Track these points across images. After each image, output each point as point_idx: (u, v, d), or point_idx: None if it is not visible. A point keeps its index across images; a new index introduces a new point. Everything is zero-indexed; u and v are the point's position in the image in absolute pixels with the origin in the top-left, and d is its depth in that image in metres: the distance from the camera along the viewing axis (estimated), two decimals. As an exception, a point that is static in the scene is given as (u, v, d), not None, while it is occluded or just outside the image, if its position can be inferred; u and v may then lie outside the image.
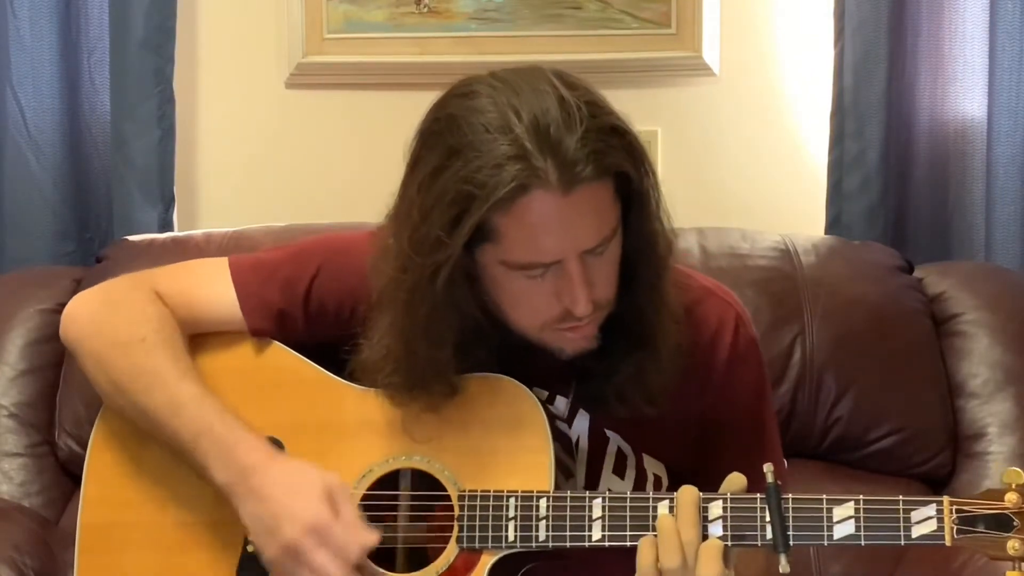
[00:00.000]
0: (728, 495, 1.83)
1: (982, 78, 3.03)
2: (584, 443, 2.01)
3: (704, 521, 1.82)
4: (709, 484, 1.90)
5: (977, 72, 3.04)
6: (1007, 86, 2.97)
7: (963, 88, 3.07)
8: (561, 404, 2.01)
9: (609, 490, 2.00)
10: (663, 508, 1.85)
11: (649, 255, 1.91)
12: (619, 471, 2.02)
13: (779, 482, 1.81)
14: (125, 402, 2.04)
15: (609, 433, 2.02)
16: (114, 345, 2.05)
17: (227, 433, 1.97)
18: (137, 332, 2.03)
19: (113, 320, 2.07)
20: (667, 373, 1.94)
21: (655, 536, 1.82)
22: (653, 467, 2.04)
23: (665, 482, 2.05)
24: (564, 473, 1.96)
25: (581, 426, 2.02)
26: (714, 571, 1.78)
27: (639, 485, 2.02)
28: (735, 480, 1.84)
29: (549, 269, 1.83)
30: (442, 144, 1.80)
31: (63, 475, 2.82)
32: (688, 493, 1.83)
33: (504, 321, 1.92)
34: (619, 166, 1.81)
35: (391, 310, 1.91)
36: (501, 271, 1.85)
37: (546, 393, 2.00)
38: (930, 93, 3.08)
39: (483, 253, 1.84)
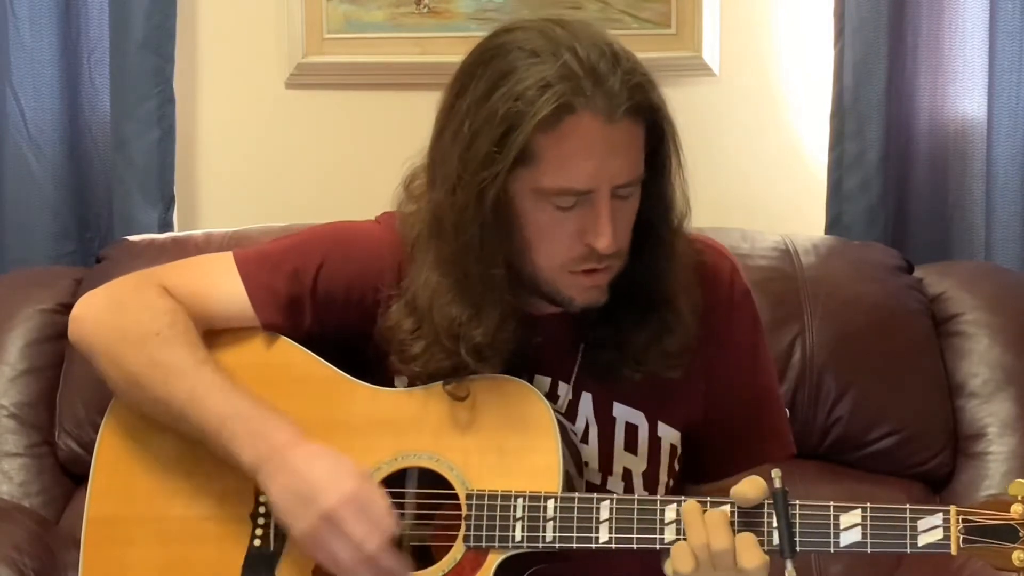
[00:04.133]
0: (735, 502, 1.83)
1: (982, 78, 3.03)
2: (593, 426, 2.02)
3: (768, 527, 1.83)
4: (716, 443, 2.03)
5: (977, 72, 3.05)
6: (1007, 86, 2.98)
7: (963, 88, 3.07)
8: (563, 390, 2.02)
9: (627, 468, 2.02)
10: (671, 512, 1.86)
11: (668, 215, 1.95)
12: (631, 447, 2.03)
13: (786, 488, 1.81)
14: (143, 396, 2.03)
15: (617, 408, 2.03)
16: (127, 341, 2.04)
17: (256, 414, 1.97)
18: (151, 326, 2.03)
19: (124, 317, 2.06)
20: (687, 335, 1.97)
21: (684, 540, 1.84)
22: (669, 436, 2.05)
23: (680, 451, 2.07)
24: (575, 460, 1.97)
25: (585, 409, 2.03)
26: (757, 557, 1.80)
27: (653, 455, 2.04)
28: (752, 484, 1.84)
29: (578, 201, 1.86)
30: (492, 70, 1.86)
31: (63, 475, 2.82)
32: (717, 514, 1.83)
33: (523, 267, 1.93)
34: (658, 107, 1.88)
35: (433, 246, 1.94)
36: (531, 201, 1.87)
37: (548, 380, 2.01)
38: (930, 93, 3.08)
39: (518, 180, 1.87)
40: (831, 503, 1.82)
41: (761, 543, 1.81)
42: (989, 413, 2.75)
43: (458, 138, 1.87)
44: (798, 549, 1.80)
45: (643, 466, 2.03)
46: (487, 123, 1.84)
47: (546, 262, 1.92)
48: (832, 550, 1.81)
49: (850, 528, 1.81)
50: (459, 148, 1.87)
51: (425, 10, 3.19)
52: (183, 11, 3.15)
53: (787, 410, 2.14)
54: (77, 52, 3.16)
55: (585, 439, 2.02)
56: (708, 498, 1.86)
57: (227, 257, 2.12)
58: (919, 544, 1.79)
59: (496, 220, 1.87)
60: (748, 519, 1.83)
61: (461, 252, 1.90)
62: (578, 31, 1.87)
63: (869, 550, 1.80)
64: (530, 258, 1.92)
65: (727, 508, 1.83)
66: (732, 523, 1.82)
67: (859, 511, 1.81)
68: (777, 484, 1.81)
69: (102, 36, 3.15)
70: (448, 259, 1.93)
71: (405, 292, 1.98)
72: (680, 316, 1.96)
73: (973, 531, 1.78)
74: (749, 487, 1.83)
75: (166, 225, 3.16)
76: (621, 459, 2.03)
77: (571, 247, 1.89)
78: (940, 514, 1.79)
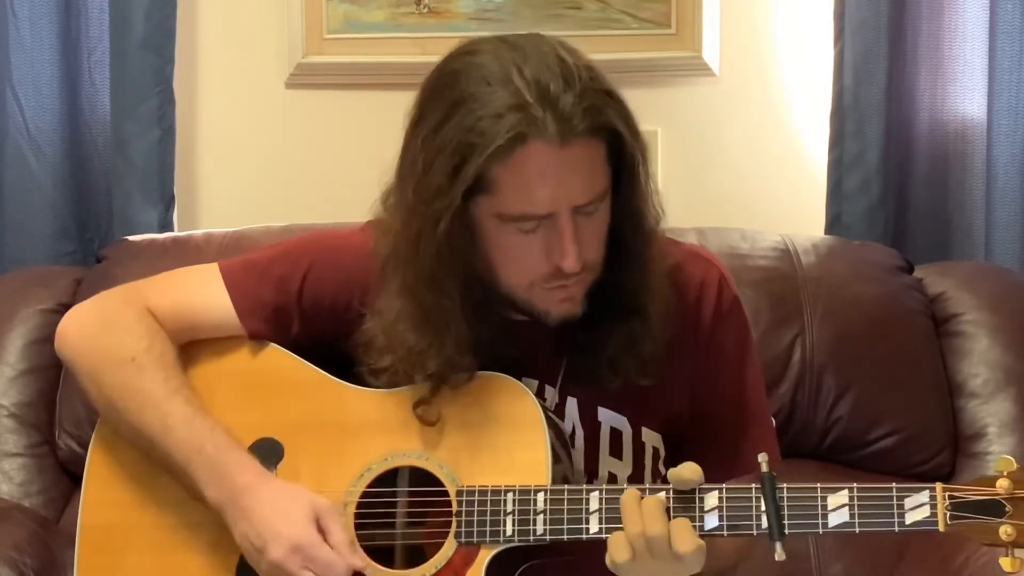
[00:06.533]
0: (723, 487, 1.84)
1: (982, 78, 3.03)
2: (579, 431, 2.03)
3: (700, 511, 1.83)
4: (700, 451, 1.97)
5: (977, 72, 3.05)
6: (1007, 86, 2.98)
7: (963, 88, 3.07)
8: (549, 394, 2.02)
9: (612, 473, 2.02)
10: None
11: (637, 225, 1.94)
12: (616, 452, 2.03)
13: (774, 472, 1.81)
14: (119, 420, 2.06)
15: (602, 413, 2.03)
16: (105, 363, 2.06)
17: (218, 454, 1.99)
18: (127, 351, 2.05)
19: (104, 338, 2.08)
20: (658, 342, 1.97)
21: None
22: (652, 440, 2.05)
23: (663, 454, 2.06)
24: (558, 461, 1.96)
25: (571, 413, 2.03)
26: (692, 543, 1.80)
27: (638, 460, 2.04)
28: (688, 469, 1.85)
29: (541, 224, 1.86)
30: (445, 98, 1.85)
31: (63, 475, 2.82)
32: (653, 499, 1.84)
33: (496, 284, 1.94)
34: (613, 126, 1.85)
35: (397, 271, 1.94)
36: (495, 225, 1.88)
37: (536, 383, 2.02)
38: (930, 93, 3.08)
39: (478, 206, 1.87)
40: (818, 484, 1.82)
41: (750, 527, 1.82)
42: (989, 413, 2.74)
43: (413, 169, 1.88)
44: (787, 532, 1.80)
45: (628, 470, 2.04)
46: (440, 154, 1.83)
47: (517, 281, 1.92)
48: (820, 531, 1.81)
49: (838, 509, 1.81)
50: (414, 179, 1.87)
51: (425, 10, 3.19)
52: (183, 11, 3.16)
53: (772, 419, 2.14)
54: (77, 52, 3.16)
55: (572, 443, 2.02)
56: (647, 485, 1.87)
57: (212, 268, 2.13)
58: (907, 522, 1.79)
59: (452, 249, 1.87)
60: (683, 504, 1.83)
61: (416, 281, 1.91)
62: (530, 51, 1.85)
63: (857, 530, 1.80)
64: (500, 279, 1.93)
65: (662, 495, 1.84)
66: (668, 509, 1.83)
67: (846, 491, 1.81)
68: (764, 468, 1.81)
69: (102, 36, 3.15)
70: (407, 287, 1.93)
71: (376, 312, 1.98)
72: (650, 324, 1.96)
73: (959, 507, 1.78)
74: (686, 470, 1.84)
75: (166, 225, 3.16)
76: (606, 463, 2.03)
77: (538, 267, 1.89)
78: (926, 491, 1.79)
